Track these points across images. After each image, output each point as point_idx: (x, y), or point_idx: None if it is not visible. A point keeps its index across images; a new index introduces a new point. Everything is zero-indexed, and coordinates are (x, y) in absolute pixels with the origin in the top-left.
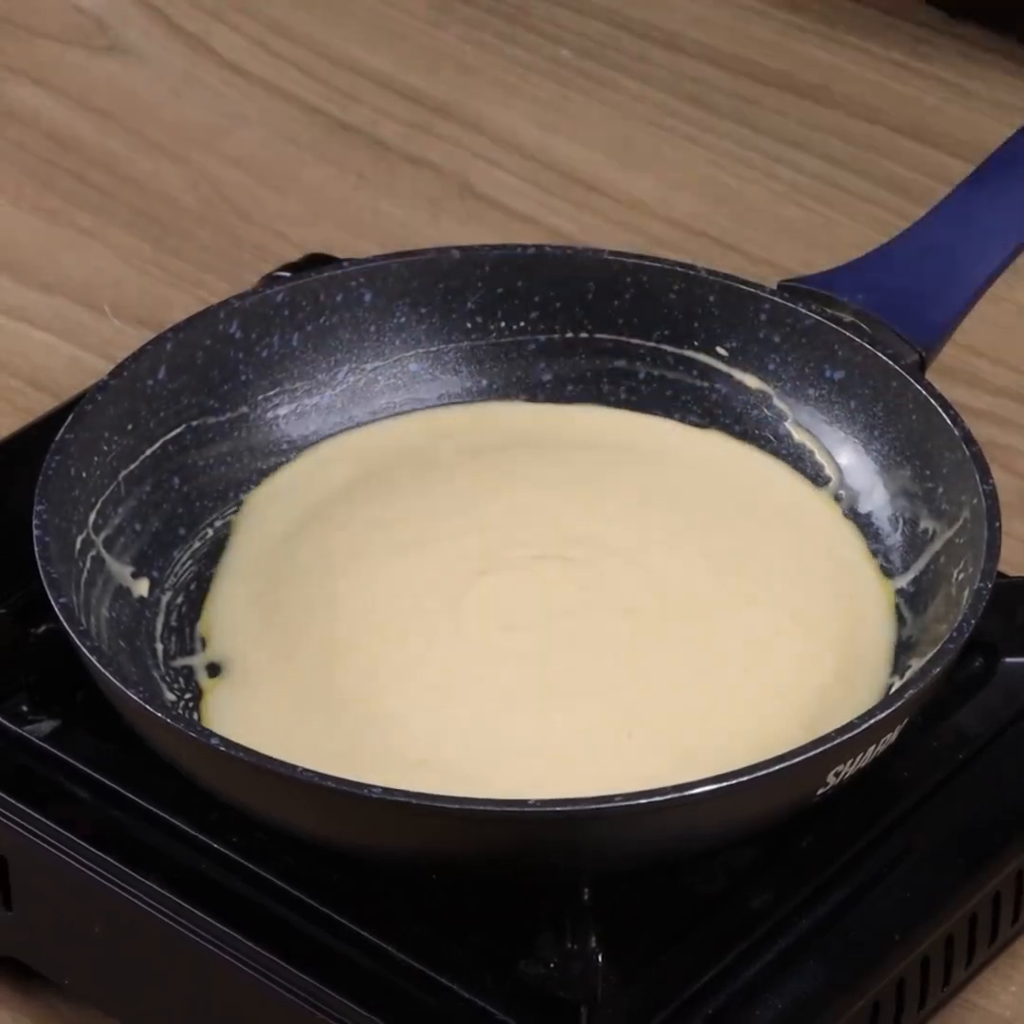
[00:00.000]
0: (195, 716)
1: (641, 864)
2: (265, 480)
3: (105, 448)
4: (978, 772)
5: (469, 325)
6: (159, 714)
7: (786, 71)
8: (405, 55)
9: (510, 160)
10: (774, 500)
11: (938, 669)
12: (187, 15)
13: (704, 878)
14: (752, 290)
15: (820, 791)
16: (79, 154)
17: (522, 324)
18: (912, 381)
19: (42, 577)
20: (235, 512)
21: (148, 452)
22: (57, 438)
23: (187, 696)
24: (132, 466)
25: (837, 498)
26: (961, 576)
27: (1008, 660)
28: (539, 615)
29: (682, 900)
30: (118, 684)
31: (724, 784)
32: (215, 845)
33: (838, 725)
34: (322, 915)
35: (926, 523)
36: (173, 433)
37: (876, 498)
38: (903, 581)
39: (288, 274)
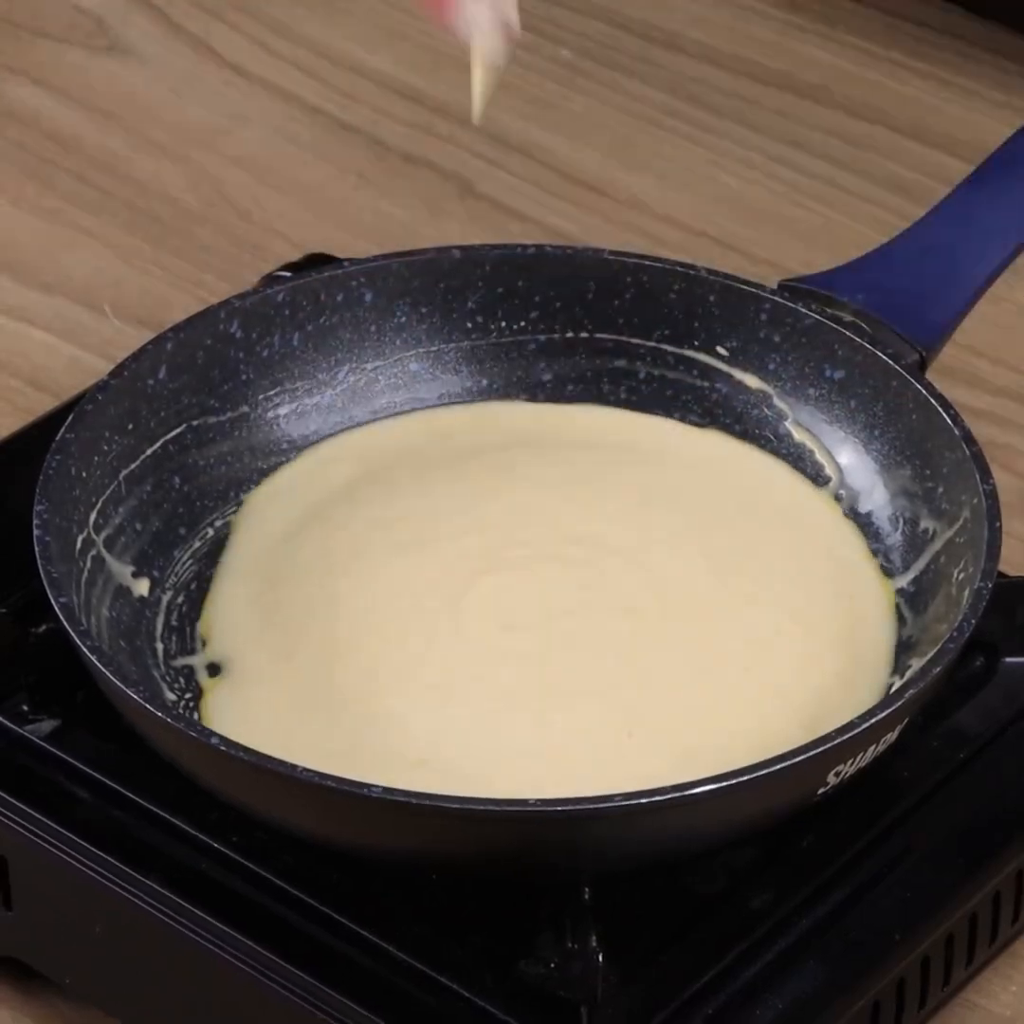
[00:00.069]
0: (195, 716)
1: (641, 864)
2: (265, 480)
3: (105, 448)
4: (978, 772)
5: (469, 325)
6: (159, 714)
7: (786, 71)
8: (405, 55)
9: (510, 160)
10: (774, 500)
11: (938, 669)
12: (187, 15)
13: (704, 878)
14: (752, 290)
15: (820, 791)
16: (79, 154)
17: (522, 324)
18: (912, 381)
19: (42, 577)
20: (235, 512)
21: (148, 452)
22: (57, 438)
23: (187, 696)
24: (133, 466)
25: (837, 498)
26: (961, 576)
27: (1008, 660)
28: (539, 615)
29: (682, 900)
30: (118, 684)
31: (724, 784)
32: (215, 845)
33: (838, 725)
34: (322, 915)
35: (926, 523)
36: (174, 433)
37: (876, 498)
38: (903, 581)
39: (288, 274)
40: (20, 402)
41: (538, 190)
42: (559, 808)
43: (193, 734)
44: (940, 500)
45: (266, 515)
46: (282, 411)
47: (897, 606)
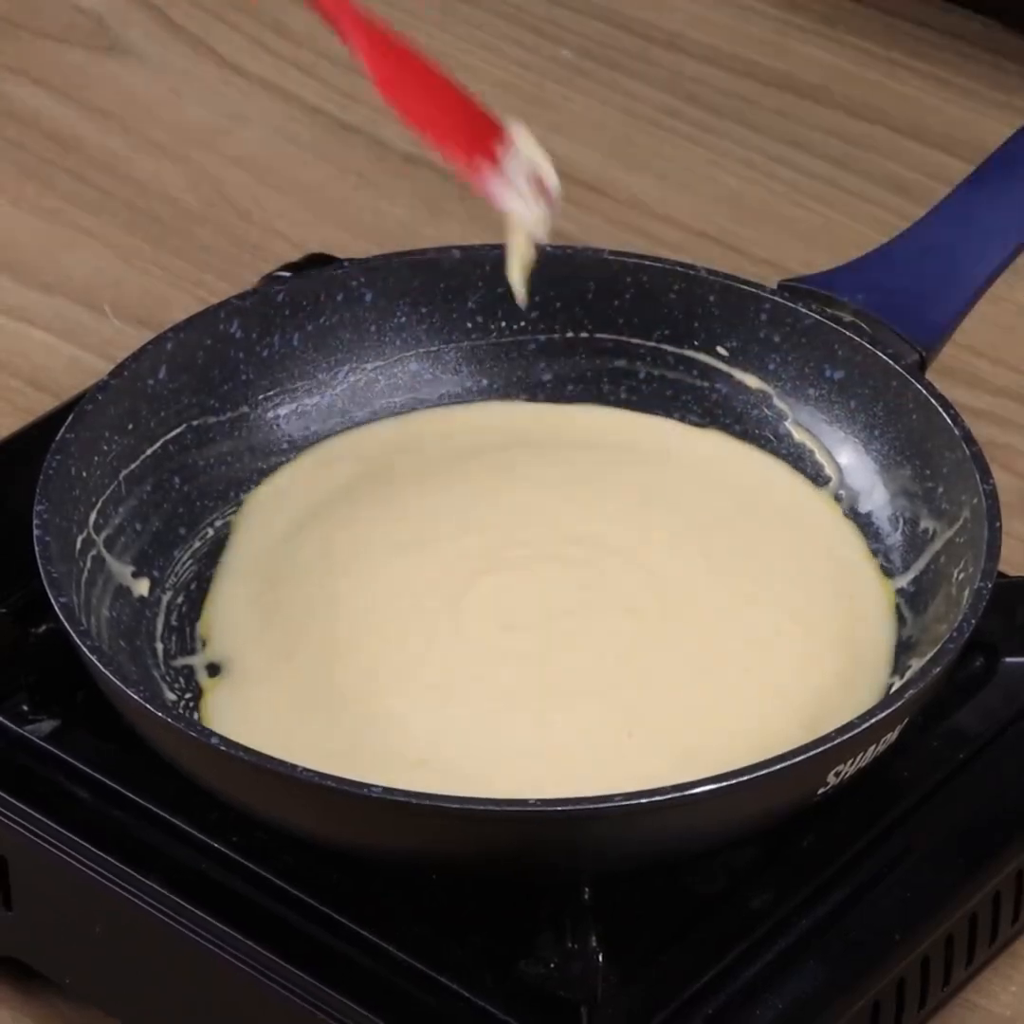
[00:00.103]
0: (195, 716)
1: (641, 864)
2: (265, 480)
3: (105, 448)
4: (978, 772)
5: (469, 325)
6: (159, 714)
7: (786, 71)
8: None
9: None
10: (774, 500)
11: (938, 669)
12: (187, 15)
13: (704, 878)
14: (752, 290)
15: (820, 791)
16: (79, 154)
17: (522, 324)
18: (912, 381)
19: (42, 577)
20: (235, 512)
21: (148, 452)
22: (57, 438)
23: (187, 696)
24: (133, 466)
25: (837, 498)
26: (961, 576)
27: (1008, 660)
28: (539, 615)
29: (682, 900)
30: (118, 684)
31: (724, 784)
32: (215, 845)
33: (838, 725)
34: (322, 915)
35: (926, 523)
36: (173, 433)
37: (876, 498)
38: (903, 581)
39: (288, 274)
40: (20, 402)
41: None
42: (559, 808)
43: (193, 734)
44: (940, 500)
45: (266, 515)
46: (282, 411)
47: (897, 606)
